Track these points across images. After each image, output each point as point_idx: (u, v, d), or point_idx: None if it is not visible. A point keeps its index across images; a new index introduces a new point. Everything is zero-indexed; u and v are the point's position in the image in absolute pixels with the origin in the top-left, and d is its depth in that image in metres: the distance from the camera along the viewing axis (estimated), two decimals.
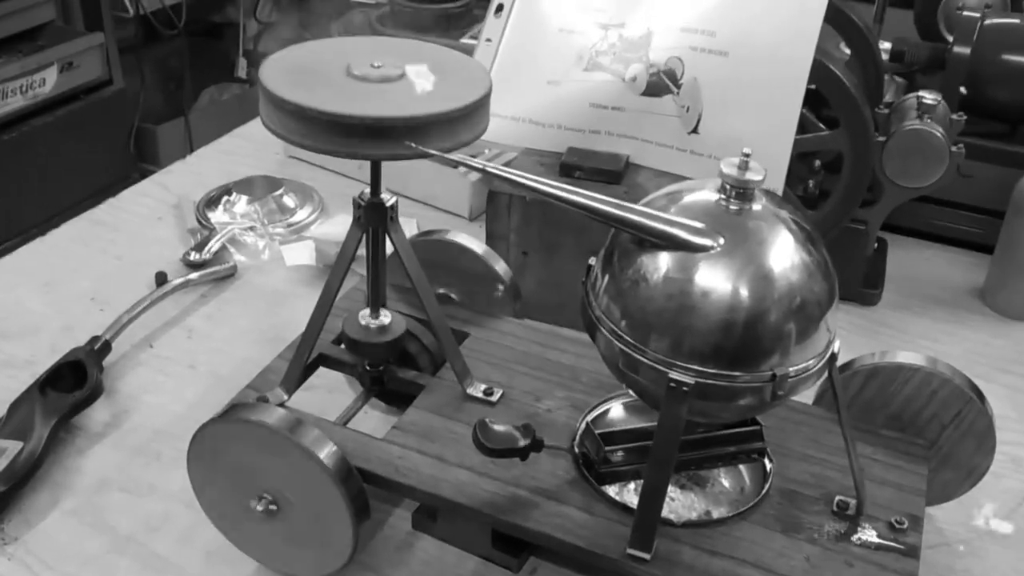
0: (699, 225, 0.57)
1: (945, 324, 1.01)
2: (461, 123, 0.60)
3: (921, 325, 1.01)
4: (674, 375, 0.57)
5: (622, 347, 0.59)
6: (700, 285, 0.56)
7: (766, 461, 0.69)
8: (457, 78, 0.64)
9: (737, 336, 0.56)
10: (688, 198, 0.60)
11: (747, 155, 0.57)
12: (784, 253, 0.57)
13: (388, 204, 0.68)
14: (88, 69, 2.40)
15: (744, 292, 0.56)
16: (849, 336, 0.95)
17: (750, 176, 0.57)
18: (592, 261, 0.63)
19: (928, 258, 1.12)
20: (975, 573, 0.74)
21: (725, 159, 0.58)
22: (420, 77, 0.62)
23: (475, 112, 0.61)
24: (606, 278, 0.61)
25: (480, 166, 0.59)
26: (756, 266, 0.56)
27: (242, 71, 3.05)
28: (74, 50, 2.34)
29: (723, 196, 0.58)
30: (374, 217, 0.68)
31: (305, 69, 0.63)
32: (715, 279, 0.56)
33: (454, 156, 0.60)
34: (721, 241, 0.56)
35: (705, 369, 0.57)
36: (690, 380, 0.56)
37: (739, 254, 0.56)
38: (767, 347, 0.57)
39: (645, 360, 0.58)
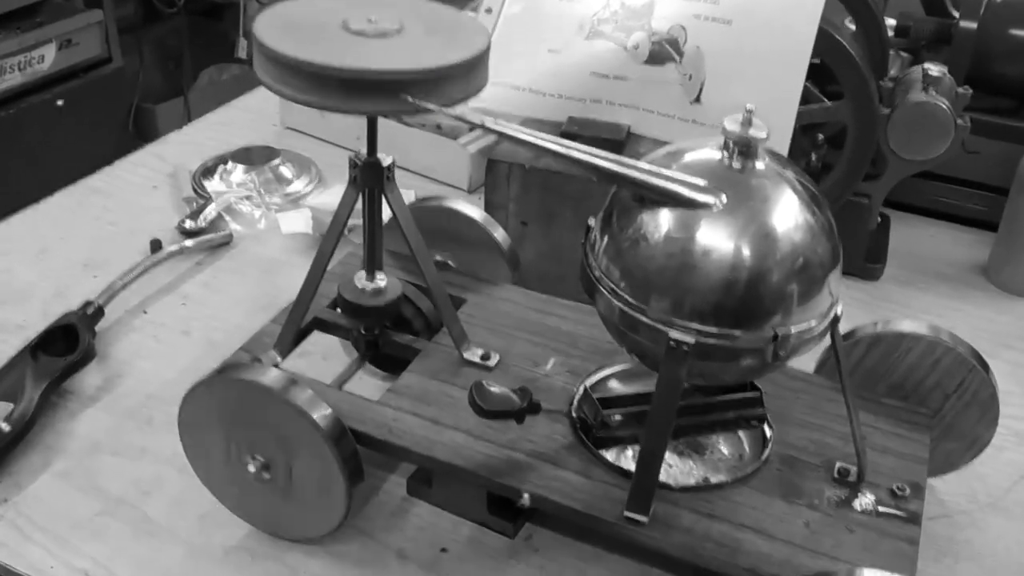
0: (701, 182, 0.56)
1: (948, 300, 1.00)
2: (459, 78, 0.59)
3: (924, 300, 1.00)
4: (674, 334, 0.56)
5: (622, 307, 0.58)
6: (701, 243, 0.55)
7: (766, 428, 0.68)
8: (455, 34, 0.62)
9: (739, 295, 0.55)
10: (690, 156, 0.59)
11: (750, 111, 0.56)
12: (788, 212, 0.56)
13: (385, 164, 0.67)
14: (87, 47, 2.39)
15: (746, 250, 0.55)
16: (851, 310, 0.93)
17: (754, 133, 0.56)
18: (591, 222, 0.62)
19: (932, 235, 1.11)
20: (976, 545, 0.73)
21: (728, 116, 0.57)
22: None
23: (474, 68, 0.60)
24: (606, 238, 0.60)
25: (479, 121, 0.57)
26: (759, 224, 0.55)
27: (242, 51, 3.03)
28: (73, 27, 2.32)
29: (726, 153, 0.57)
30: (370, 177, 0.67)
31: (300, 23, 0.62)
32: (717, 237, 0.55)
33: (453, 111, 0.58)
34: (723, 199, 0.55)
35: (706, 328, 0.56)
36: (690, 339, 0.55)
37: (742, 212, 0.55)
38: (769, 306, 0.56)
39: (645, 319, 0.57)
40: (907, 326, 0.72)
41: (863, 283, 1.02)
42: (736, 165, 0.57)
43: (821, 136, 1.03)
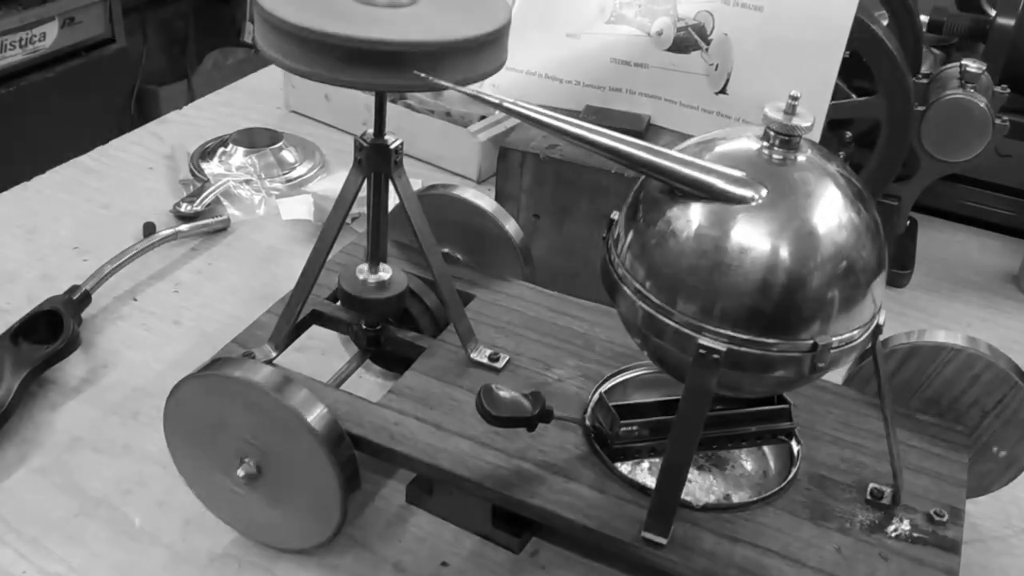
0: (739, 174, 0.51)
1: (978, 309, 0.96)
2: (476, 54, 0.54)
3: (953, 309, 0.95)
4: (704, 340, 0.51)
5: (646, 308, 0.53)
6: (738, 241, 0.50)
7: (793, 443, 0.64)
8: (473, 7, 0.58)
9: (776, 299, 0.50)
10: (726, 146, 0.54)
11: (795, 98, 0.51)
12: (832, 210, 0.51)
13: (392, 146, 0.62)
14: (90, 25, 2.34)
15: (788, 251, 0.50)
16: None
17: (797, 122, 0.51)
18: (615, 215, 0.58)
19: (960, 241, 1.07)
20: (1012, 572, 0.68)
21: (770, 103, 0.52)
22: None
23: (492, 43, 0.55)
24: (631, 233, 0.55)
25: (496, 100, 0.53)
26: (801, 222, 0.50)
27: (248, 36, 2.99)
28: (76, 5, 2.27)
29: (766, 144, 0.52)
30: (377, 160, 0.62)
31: None
32: (755, 235, 0.50)
33: (468, 89, 0.54)
34: (763, 193, 0.50)
35: (738, 335, 0.51)
36: (722, 347, 0.51)
37: (783, 208, 0.50)
38: (809, 313, 0.51)
39: (672, 323, 0.52)
40: (945, 337, 0.67)
41: (889, 290, 0.97)
42: (777, 157, 0.52)
43: (849, 134, 0.98)
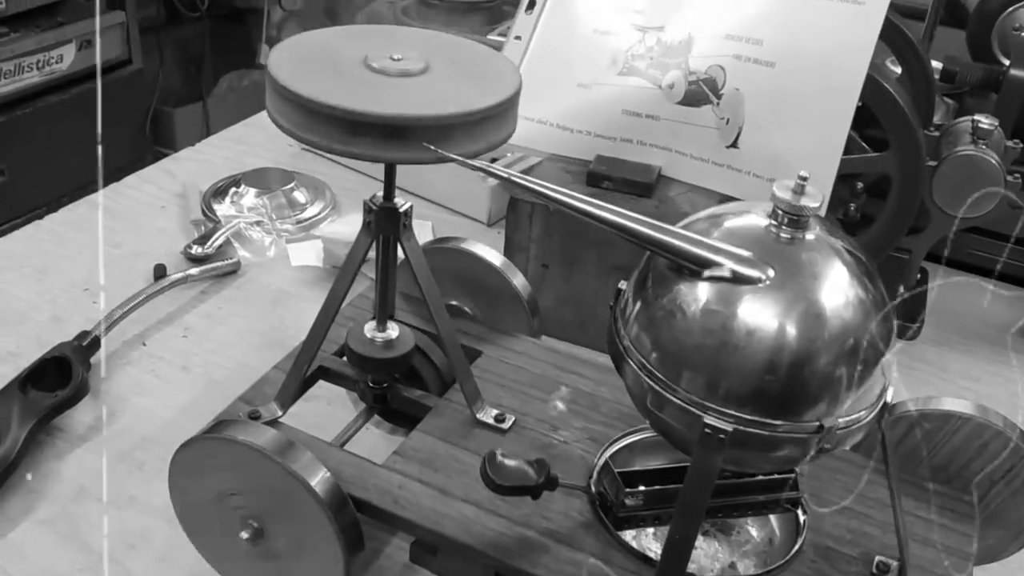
0: (747, 254, 0.51)
1: (988, 364, 0.95)
2: (486, 125, 0.55)
3: (962, 363, 0.95)
4: (710, 420, 0.51)
5: (651, 383, 0.53)
6: (745, 321, 0.50)
7: (800, 512, 0.63)
8: (484, 75, 0.58)
9: (783, 381, 0.50)
10: (734, 222, 0.54)
11: (804, 178, 0.51)
12: (839, 291, 0.51)
13: (402, 210, 0.62)
14: (107, 47, 2.36)
15: (794, 333, 0.50)
16: None
17: (806, 202, 0.51)
18: (623, 285, 0.58)
19: (970, 292, 1.06)
20: None
21: (778, 181, 0.52)
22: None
23: (502, 114, 0.55)
24: (638, 305, 0.55)
25: (505, 175, 0.53)
26: (808, 304, 0.50)
27: (264, 58, 3.00)
28: (94, 28, 2.29)
29: (774, 222, 0.52)
30: (386, 224, 0.62)
31: (318, 58, 0.57)
32: (763, 316, 0.50)
33: (476, 162, 0.54)
34: (771, 273, 0.50)
35: (743, 415, 0.51)
36: (728, 427, 0.50)
37: (790, 289, 0.50)
38: (815, 395, 0.50)
39: (676, 400, 0.52)
40: (954, 405, 0.66)
41: (898, 343, 0.96)
42: (785, 236, 0.52)
43: (860, 185, 0.98)
